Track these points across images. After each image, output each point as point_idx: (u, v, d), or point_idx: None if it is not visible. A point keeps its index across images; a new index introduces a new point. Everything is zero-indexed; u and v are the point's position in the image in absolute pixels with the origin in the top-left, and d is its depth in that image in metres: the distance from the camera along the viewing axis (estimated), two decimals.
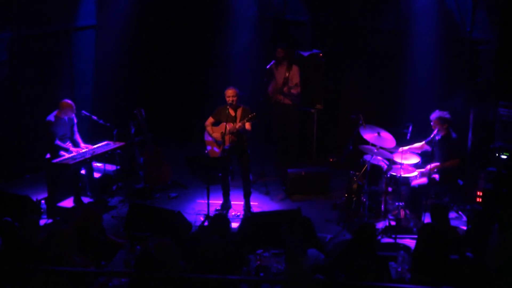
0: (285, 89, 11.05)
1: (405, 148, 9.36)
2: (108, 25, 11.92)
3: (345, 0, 11.71)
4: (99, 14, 11.81)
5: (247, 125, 9.49)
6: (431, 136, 9.17)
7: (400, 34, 11.21)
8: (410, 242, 8.77)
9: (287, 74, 11.05)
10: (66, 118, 9.69)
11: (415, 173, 9.23)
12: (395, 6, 11.21)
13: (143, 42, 12.95)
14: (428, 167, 9.06)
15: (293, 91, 11.08)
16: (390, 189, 9.29)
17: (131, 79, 12.69)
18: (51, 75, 11.17)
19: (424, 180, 9.12)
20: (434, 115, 9.15)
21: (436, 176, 9.26)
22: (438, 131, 9.12)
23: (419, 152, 9.42)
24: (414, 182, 9.17)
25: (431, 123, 9.18)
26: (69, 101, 9.64)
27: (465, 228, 9.03)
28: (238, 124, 9.44)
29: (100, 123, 10.12)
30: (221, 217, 7.61)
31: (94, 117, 10.11)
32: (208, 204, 9.21)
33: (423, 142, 9.39)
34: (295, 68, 11.09)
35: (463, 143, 9.80)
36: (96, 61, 11.85)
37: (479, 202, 9.19)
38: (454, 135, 9.22)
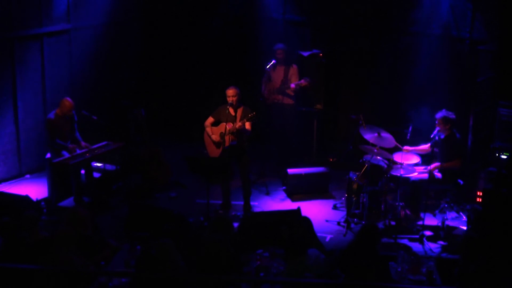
0: (285, 88, 10.99)
1: (410, 148, 9.34)
2: (107, 24, 11.89)
3: (345, 0, 11.71)
4: (97, 13, 11.78)
5: (247, 125, 9.48)
6: (432, 136, 9.15)
7: (400, 34, 11.22)
8: (410, 242, 8.78)
9: (284, 74, 10.98)
10: (66, 116, 9.70)
11: (415, 174, 9.22)
12: (394, 6, 11.21)
13: (142, 42, 12.94)
14: (429, 167, 9.05)
15: (288, 91, 11.01)
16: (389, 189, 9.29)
17: (131, 79, 12.67)
18: (51, 75, 11.16)
19: (425, 175, 9.10)
20: (439, 114, 9.09)
21: (438, 174, 9.25)
22: (439, 131, 9.09)
23: (423, 153, 9.41)
24: (415, 177, 9.15)
25: (436, 122, 9.15)
26: (70, 99, 9.66)
27: (465, 228, 9.04)
28: (238, 124, 9.43)
29: (100, 123, 10.13)
30: (223, 218, 7.46)
31: (94, 117, 10.11)
32: (208, 204, 9.21)
33: (428, 144, 9.35)
34: (294, 67, 11.04)
35: (463, 143, 9.79)
36: (95, 61, 11.82)
37: (479, 202, 9.20)
38: (458, 135, 9.17)
